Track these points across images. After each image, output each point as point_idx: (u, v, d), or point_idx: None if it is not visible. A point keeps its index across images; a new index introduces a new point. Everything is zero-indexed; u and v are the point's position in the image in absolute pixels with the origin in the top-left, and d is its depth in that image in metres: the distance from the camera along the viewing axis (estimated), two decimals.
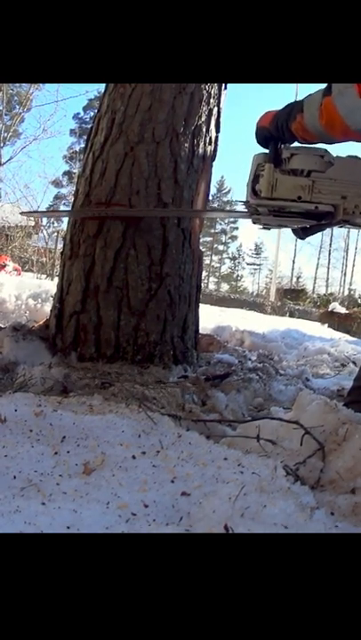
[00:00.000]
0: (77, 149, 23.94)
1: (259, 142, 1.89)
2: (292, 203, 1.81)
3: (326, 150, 1.82)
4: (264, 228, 2.10)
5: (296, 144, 1.81)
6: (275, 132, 1.77)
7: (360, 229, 2.19)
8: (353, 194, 1.80)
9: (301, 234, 1.96)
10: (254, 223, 2.00)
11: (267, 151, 1.84)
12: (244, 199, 1.90)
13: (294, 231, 1.97)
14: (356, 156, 1.86)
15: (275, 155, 1.80)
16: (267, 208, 1.85)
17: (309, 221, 1.89)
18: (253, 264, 50.33)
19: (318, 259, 43.76)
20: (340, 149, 1.83)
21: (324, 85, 1.58)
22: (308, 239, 2.14)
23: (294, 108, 1.70)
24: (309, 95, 1.65)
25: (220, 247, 49.87)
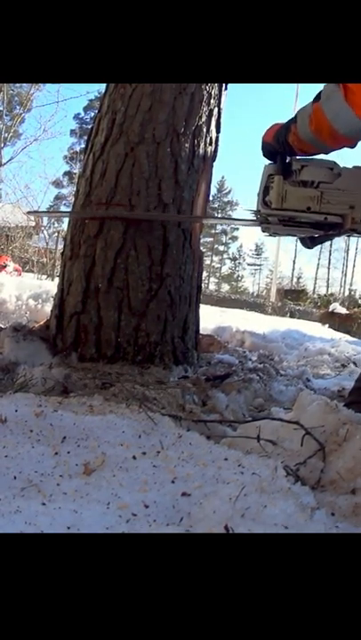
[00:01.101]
0: (78, 150, 23.94)
1: (265, 156, 1.94)
2: (302, 213, 1.86)
3: (335, 162, 1.86)
4: (272, 235, 2.16)
5: (305, 159, 1.85)
6: (277, 146, 1.83)
7: None
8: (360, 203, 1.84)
9: (309, 243, 2.01)
10: (264, 231, 2.04)
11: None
12: (255, 208, 1.94)
13: (302, 241, 2.02)
14: (360, 167, 1.91)
15: (283, 167, 1.86)
16: (277, 218, 1.89)
17: (318, 231, 1.94)
18: (254, 264, 50.37)
19: (319, 259, 43.83)
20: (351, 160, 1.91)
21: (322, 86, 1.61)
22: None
23: (290, 121, 1.76)
24: (303, 106, 1.71)
25: (221, 248, 49.89)
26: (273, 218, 1.91)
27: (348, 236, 2.04)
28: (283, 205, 1.87)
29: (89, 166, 2.24)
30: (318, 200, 1.85)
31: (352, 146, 1.71)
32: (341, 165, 1.88)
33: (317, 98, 1.61)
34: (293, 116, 1.76)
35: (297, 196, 1.87)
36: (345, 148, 1.77)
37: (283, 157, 1.86)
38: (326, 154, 1.81)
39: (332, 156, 1.81)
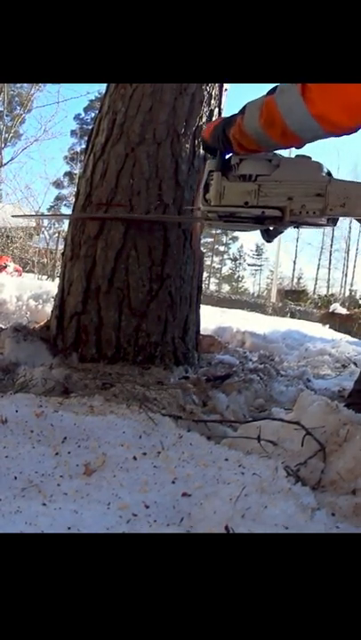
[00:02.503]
0: (78, 150, 24.00)
1: (204, 150, 1.93)
2: (240, 208, 1.84)
3: (275, 153, 1.83)
4: (222, 230, 2.19)
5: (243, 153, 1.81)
6: (211, 141, 1.78)
7: (320, 228, 2.19)
8: (299, 194, 1.81)
9: (267, 236, 1.98)
10: (210, 227, 2.03)
11: None
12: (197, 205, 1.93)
13: (261, 234, 1.99)
14: (303, 156, 1.88)
15: (222, 162, 1.82)
16: (217, 214, 1.88)
17: (260, 226, 1.92)
18: (254, 265, 50.32)
19: (319, 259, 43.74)
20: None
21: None
22: (309, 240, 2.17)
23: (236, 114, 1.68)
24: (253, 99, 1.62)
25: (221, 248, 49.86)
26: (213, 214, 1.89)
27: (296, 228, 1.99)
28: (221, 202, 1.84)
29: (89, 167, 2.24)
30: (256, 194, 1.81)
31: (299, 145, 1.63)
32: (285, 155, 1.83)
33: (272, 91, 1.52)
34: (241, 108, 1.67)
35: (235, 191, 1.83)
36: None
37: (221, 153, 1.81)
38: (267, 151, 1.74)
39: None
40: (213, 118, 2.33)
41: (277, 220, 1.85)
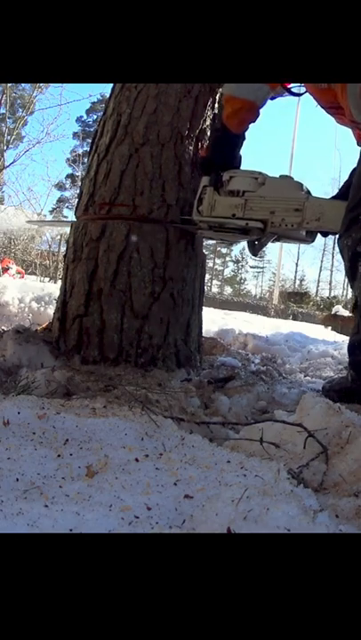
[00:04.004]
0: (81, 152, 24.00)
1: (201, 170, 2.21)
2: (227, 220, 2.09)
3: (261, 172, 2.10)
4: (212, 239, 2.49)
5: (234, 171, 2.13)
6: (212, 145, 2.20)
7: (297, 243, 2.61)
8: (281, 209, 2.06)
9: (252, 250, 2.25)
10: (201, 236, 2.27)
11: None
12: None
13: (248, 246, 2.27)
14: (287, 176, 2.15)
15: (215, 180, 2.11)
16: (207, 224, 2.13)
17: (245, 237, 2.18)
18: (257, 267, 50.24)
19: (321, 261, 43.65)
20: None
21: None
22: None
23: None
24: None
25: (224, 250, 49.80)
26: (204, 224, 2.13)
27: (277, 241, 2.25)
28: (212, 213, 2.10)
29: (93, 167, 2.24)
30: (242, 207, 2.06)
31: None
32: (270, 175, 2.11)
33: None
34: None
35: (224, 204, 2.09)
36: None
37: (216, 171, 2.11)
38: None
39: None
40: (216, 121, 2.34)
41: (260, 231, 2.10)
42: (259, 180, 2.07)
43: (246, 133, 2.23)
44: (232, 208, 2.08)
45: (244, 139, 2.25)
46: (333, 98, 1.83)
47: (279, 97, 2.23)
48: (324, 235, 2.18)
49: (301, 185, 2.13)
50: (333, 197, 2.13)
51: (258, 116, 2.11)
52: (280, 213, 2.05)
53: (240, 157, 2.25)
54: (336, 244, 1.91)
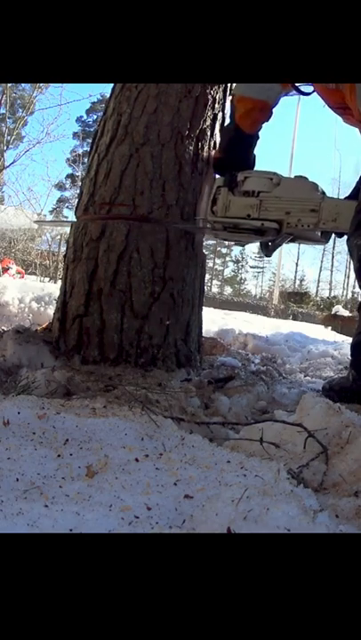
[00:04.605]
0: (81, 152, 23.99)
1: (215, 170, 2.22)
2: (243, 220, 2.08)
3: (275, 173, 2.10)
4: (225, 240, 2.45)
5: (248, 172, 2.13)
6: (224, 145, 2.18)
7: (312, 244, 2.57)
8: (296, 209, 2.04)
9: (265, 250, 2.25)
10: (215, 237, 2.32)
11: None
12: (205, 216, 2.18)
13: (261, 248, 2.28)
14: (301, 176, 2.14)
15: (230, 180, 2.12)
16: (222, 225, 2.13)
17: (259, 237, 2.16)
18: (257, 267, 50.20)
19: (321, 262, 43.63)
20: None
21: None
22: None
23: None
24: None
25: (224, 250, 49.78)
26: (218, 225, 2.13)
27: (292, 242, 2.24)
28: (226, 214, 2.10)
29: (93, 167, 2.24)
30: (257, 208, 2.06)
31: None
32: (285, 175, 2.10)
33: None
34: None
35: (239, 205, 2.08)
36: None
37: (231, 172, 2.12)
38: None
39: None
40: (217, 122, 2.35)
41: (275, 231, 2.09)
42: (274, 181, 2.07)
43: (260, 133, 2.24)
44: (247, 208, 2.07)
45: (257, 138, 2.25)
46: (341, 98, 1.83)
47: (287, 95, 2.23)
48: (340, 235, 2.17)
49: (317, 185, 2.13)
50: (347, 198, 2.12)
51: (270, 116, 2.11)
52: (296, 214, 2.04)
53: (254, 157, 2.25)
54: (336, 245, 1.92)
